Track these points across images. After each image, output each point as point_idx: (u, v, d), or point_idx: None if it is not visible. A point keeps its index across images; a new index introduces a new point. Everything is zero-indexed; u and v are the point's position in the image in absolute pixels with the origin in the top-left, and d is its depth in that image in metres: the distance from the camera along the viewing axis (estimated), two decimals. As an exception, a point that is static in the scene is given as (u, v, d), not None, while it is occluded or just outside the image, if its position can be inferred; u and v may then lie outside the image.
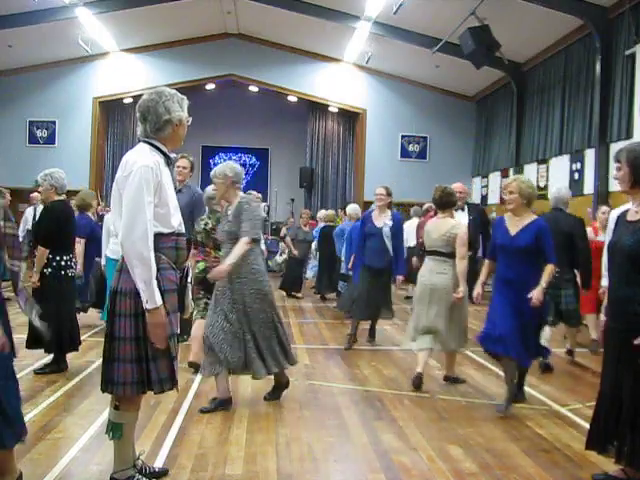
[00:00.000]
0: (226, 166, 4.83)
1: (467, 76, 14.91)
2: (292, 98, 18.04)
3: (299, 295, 11.75)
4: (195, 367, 5.43)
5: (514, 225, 4.76)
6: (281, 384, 4.97)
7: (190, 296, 3.24)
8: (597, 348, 6.39)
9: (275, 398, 4.93)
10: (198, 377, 5.34)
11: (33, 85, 16.81)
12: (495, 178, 16.37)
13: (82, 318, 6.81)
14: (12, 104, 16.74)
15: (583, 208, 11.40)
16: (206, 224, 5.55)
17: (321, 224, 12.01)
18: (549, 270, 4.72)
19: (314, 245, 12.35)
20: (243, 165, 20.48)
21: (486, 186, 16.91)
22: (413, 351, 5.66)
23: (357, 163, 18.20)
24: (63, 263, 5.51)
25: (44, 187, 5.54)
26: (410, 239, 10.34)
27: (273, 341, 4.72)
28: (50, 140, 17.13)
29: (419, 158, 17.68)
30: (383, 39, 14.66)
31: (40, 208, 10.66)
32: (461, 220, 6.64)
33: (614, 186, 9.93)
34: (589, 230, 6.75)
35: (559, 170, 12.77)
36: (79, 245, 6.62)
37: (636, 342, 3.08)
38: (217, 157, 19.53)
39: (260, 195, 19.00)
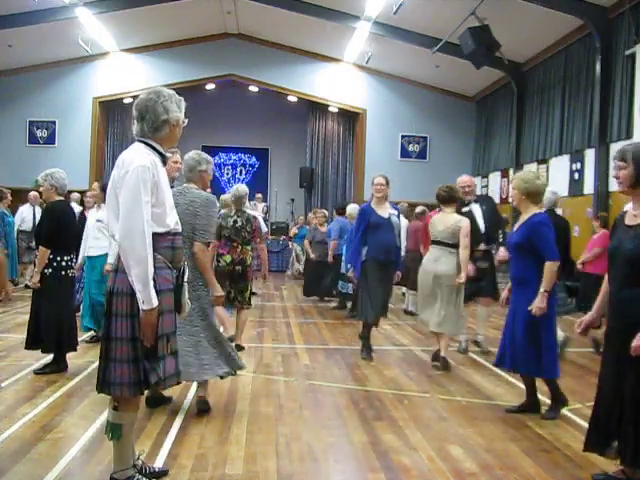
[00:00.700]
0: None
1: (467, 76, 14.91)
2: (292, 98, 18.04)
3: (332, 303, 10.56)
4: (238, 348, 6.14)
5: (519, 221, 4.76)
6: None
7: (186, 295, 3.23)
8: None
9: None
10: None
11: (33, 85, 16.82)
12: (495, 178, 16.38)
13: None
14: (12, 104, 16.75)
15: (583, 208, 11.44)
16: (235, 222, 6.37)
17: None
18: (547, 269, 4.40)
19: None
20: (243, 165, 20.53)
21: (486, 186, 16.91)
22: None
23: (357, 163, 18.21)
24: (64, 264, 5.51)
25: (45, 187, 5.53)
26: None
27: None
28: (50, 140, 17.14)
29: (419, 158, 17.69)
30: (383, 39, 14.67)
31: (38, 208, 10.86)
32: (476, 213, 6.58)
33: (614, 186, 9.92)
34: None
35: (559, 170, 12.77)
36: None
37: (634, 344, 3.08)
38: (217, 157, 19.56)
39: (261, 195, 19.09)
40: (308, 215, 15.27)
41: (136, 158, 2.99)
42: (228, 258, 6.35)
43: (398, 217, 6.62)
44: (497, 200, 15.24)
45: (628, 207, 3.46)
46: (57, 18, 13.84)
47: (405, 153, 17.77)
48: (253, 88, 18.20)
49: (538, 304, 4.38)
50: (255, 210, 17.39)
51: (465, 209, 6.52)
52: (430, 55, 13.57)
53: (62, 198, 5.62)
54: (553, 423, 4.52)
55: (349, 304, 9.46)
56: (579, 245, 8.87)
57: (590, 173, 11.45)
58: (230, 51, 17.15)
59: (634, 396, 3.17)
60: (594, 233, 8.23)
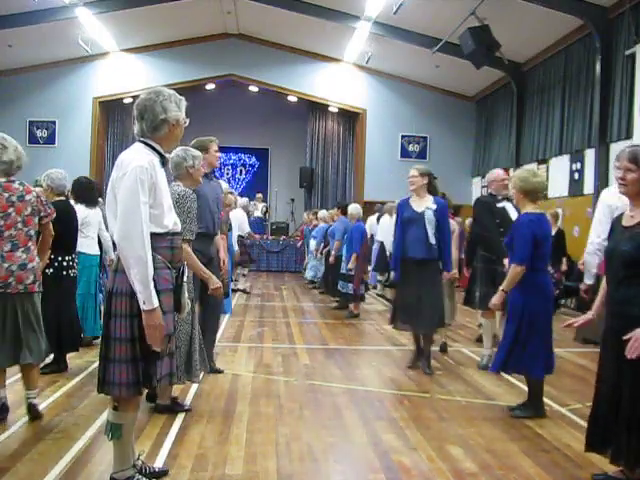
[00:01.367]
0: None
1: (467, 76, 14.91)
2: (292, 98, 18.04)
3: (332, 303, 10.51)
4: None
5: None
6: None
7: (186, 295, 3.23)
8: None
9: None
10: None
11: (33, 85, 16.82)
12: (495, 178, 16.34)
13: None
14: (12, 104, 16.74)
15: (583, 208, 11.44)
16: None
17: (323, 224, 12.00)
18: (511, 270, 4.48)
19: (313, 245, 12.35)
20: (243, 165, 20.53)
21: (486, 186, 16.87)
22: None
23: (357, 163, 18.21)
24: (65, 263, 5.50)
25: (43, 188, 5.54)
26: (385, 236, 10.20)
27: None
28: (50, 140, 17.14)
29: (419, 158, 17.65)
30: (383, 39, 14.66)
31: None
32: (511, 214, 5.90)
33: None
34: None
35: (559, 170, 12.76)
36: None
37: (625, 337, 3.09)
38: (217, 157, 19.55)
39: (261, 195, 18.98)
40: (303, 215, 15.26)
41: (135, 159, 2.99)
42: None
43: (444, 210, 5.96)
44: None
45: (619, 203, 3.46)
46: (57, 18, 13.83)
47: (405, 153, 17.76)
48: (253, 88, 18.20)
49: (494, 300, 4.59)
50: (255, 210, 17.50)
51: (500, 205, 6.13)
52: (430, 55, 13.56)
53: (63, 198, 5.62)
54: (553, 423, 4.52)
55: (351, 305, 9.47)
56: (579, 245, 8.86)
57: (590, 173, 11.44)
58: (230, 51, 17.15)
59: (631, 396, 3.17)
60: (594, 233, 8.21)
